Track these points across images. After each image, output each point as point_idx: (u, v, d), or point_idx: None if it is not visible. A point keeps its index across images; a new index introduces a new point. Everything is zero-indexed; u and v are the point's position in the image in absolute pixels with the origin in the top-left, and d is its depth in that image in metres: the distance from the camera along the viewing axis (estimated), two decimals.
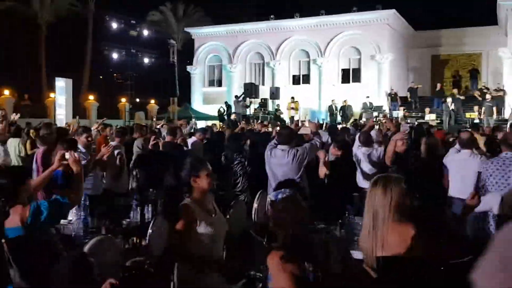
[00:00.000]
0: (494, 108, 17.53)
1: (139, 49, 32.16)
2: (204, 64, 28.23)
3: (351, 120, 18.94)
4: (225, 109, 21.41)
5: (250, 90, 20.47)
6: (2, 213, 2.79)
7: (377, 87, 23.25)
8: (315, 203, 5.60)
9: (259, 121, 14.81)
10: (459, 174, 5.19)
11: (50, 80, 24.46)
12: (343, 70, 24.79)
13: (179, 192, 3.03)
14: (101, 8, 31.08)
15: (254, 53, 26.79)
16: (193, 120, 16.59)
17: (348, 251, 2.59)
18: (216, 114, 22.31)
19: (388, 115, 17.46)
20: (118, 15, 29.97)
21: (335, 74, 24.67)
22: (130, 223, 5.31)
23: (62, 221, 4.10)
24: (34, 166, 7.19)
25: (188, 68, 28.57)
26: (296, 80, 25.95)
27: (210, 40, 27.77)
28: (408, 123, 14.86)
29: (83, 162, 5.80)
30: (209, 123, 18.96)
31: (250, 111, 20.67)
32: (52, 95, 23.47)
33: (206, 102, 27.35)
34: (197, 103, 27.73)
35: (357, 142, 6.36)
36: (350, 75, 24.68)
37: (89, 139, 6.01)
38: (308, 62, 25.45)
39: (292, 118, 19.51)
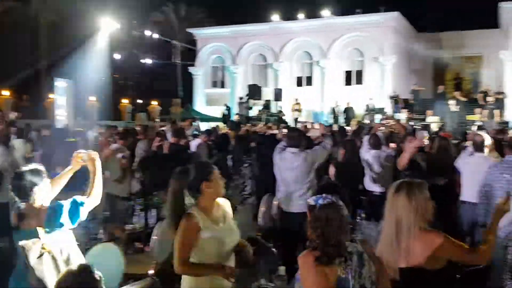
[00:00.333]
0: (496, 111, 17.40)
1: (141, 50, 32.05)
2: (207, 65, 28.11)
3: (354, 122, 18.81)
4: (227, 111, 21.31)
5: (254, 91, 20.36)
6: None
7: (380, 89, 23.12)
8: None
9: (264, 123, 14.67)
10: (472, 178, 5.05)
11: (51, 81, 24.28)
12: (346, 72, 24.68)
13: (182, 198, 2.85)
14: (102, 7, 30.90)
15: (257, 54, 26.69)
16: (197, 121, 16.43)
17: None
18: (219, 115, 22.19)
19: (394, 117, 17.32)
20: (120, 15, 29.80)
21: (338, 76, 24.56)
22: (133, 228, 5.20)
23: None
24: None
25: (191, 69, 28.44)
26: (299, 81, 25.84)
27: (213, 41, 27.65)
28: (412, 125, 14.78)
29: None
30: (212, 124, 18.81)
31: (253, 112, 20.55)
32: (52, 96, 23.30)
33: (209, 103, 27.23)
34: (200, 105, 27.61)
35: (365, 145, 6.23)
36: (353, 77, 24.55)
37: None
38: (311, 64, 25.36)
39: (295, 120, 19.39)
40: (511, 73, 20.87)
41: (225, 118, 20.64)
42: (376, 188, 5.96)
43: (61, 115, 22.18)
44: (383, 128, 7.12)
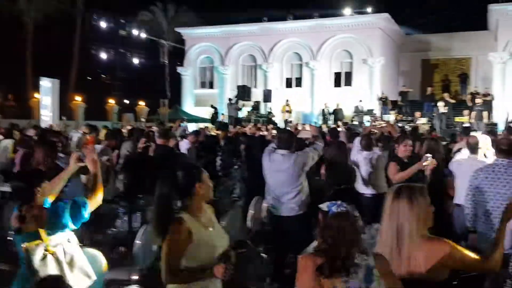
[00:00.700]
0: (484, 113, 17.48)
1: (129, 49, 31.67)
2: (195, 66, 27.90)
3: (341, 124, 18.77)
4: (214, 112, 21.11)
5: (243, 92, 20.21)
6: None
7: (369, 91, 23.16)
8: (314, 210, 5.35)
9: (253, 124, 14.51)
10: (466, 181, 4.93)
11: (35, 80, 23.87)
12: (335, 73, 24.68)
13: (171, 202, 2.65)
14: (90, 6, 30.55)
15: (246, 55, 26.55)
16: (185, 122, 16.18)
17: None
18: (207, 116, 21.98)
19: (383, 119, 17.31)
20: (107, 14, 29.46)
21: (327, 77, 24.53)
22: (117, 232, 4.99)
23: None
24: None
25: (179, 69, 28.18)
26: (288, 83, 25.77)
27: (201, 41, 27.45)
28: (400, 127, 14.75)
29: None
30: (201, 125, 18.62)
31: (242, 114, 20.38)
32: (37, 95, 22.90)
33: (198, 104, 27.01)
34: (188, 105, 27.36)
35: (357, 147, 6.11)
36: (342, 79, 24.55)
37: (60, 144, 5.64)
38: (301, 65, 25.30)
39: (286, 121, 19.27)
40: (500, 75, 20.99)
41: (214, 119, 20.46)
42: (367, 191, 5.83)
43: (46, 115, 21.81)
44: (375, 130, 6.97)
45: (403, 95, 21.42)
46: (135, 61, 32.25)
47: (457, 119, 18.26)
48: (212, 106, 21.80)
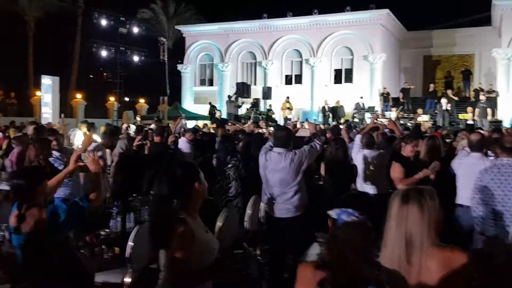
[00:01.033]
0: (488, 110, 17.28)
1: (129, 47, 31.45)
2: (195, 63, 27.78)
3: (342, 121, 18.63)
4: (212, 109, 20.96)
5: (242, 89, 20.07)
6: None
7: (370, 88, 22.99)
8: (313, 210, 5.22)
9: (252, 121, 14.36)
10: (467, 180, 4.78)
11: (37, 78, 23.79)
12: (335, 70, 24.49)
13: (170, 202, 2.50)
14: (90, 4, 30.38)
15: (246, 52, 26.38)
16: (183, 120, 15.94)
17: None
18: (206, 113, 21.84)
19: (385, 116, 17.15)
20: (107, 12, 29.27)
21: (328, 74, 24.34)
22: (109, 233, 4.85)
23: None
24: (8, 166, 6.74)
25: (179, 66, 28.07)
26: (288, 80, 25.60)
27: (201, 38, 27.32)
28: (401, 124, 14.59)
29: (60, 166, 5.35)
30: (200, 122, 18.48)
31: (241, 111, 20.24)
32: (38, 93, 22.80)
33: (197, 101, 26.89)
34: (187, 103, 27.25)
35: (358, 145, 5.96)
36: (342, 76, 24.38)
37: (54, 143, 5.52)
38: (301, 62, 25.11)
39: (286, 118, 19.12)
40: (504, 72, 20.74)
41: (212, 116, 20.29)
42: (369, 190, 5.70)
43: (47, 113, 21.73)
44: (376, 125, 6.81)
45: (405, 92, 21.24)
46: (136, 58, 32.07)
47: (460, 116, 18.07)
48: (210, 104, 21.66)
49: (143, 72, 32.99)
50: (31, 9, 28.57)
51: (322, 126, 14.13)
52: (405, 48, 26.51)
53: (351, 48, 23.96)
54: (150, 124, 12.74)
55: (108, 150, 7.07)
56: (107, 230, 4.82)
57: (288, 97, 21.40)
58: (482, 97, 17.56)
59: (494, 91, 18.96)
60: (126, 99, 31.91)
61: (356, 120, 18.84)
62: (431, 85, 20.73)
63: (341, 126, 9.83)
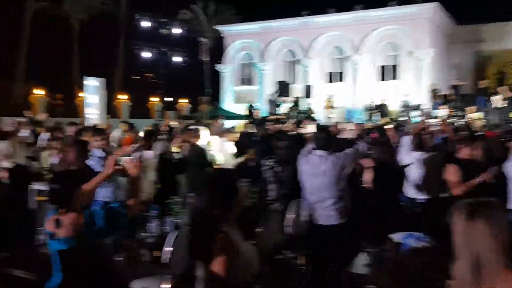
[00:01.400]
0: None
1: (170, 48, 31.94)
2: (234, 62, 27.73)
3: (388, 120, 17.96)
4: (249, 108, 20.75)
5: (282, 88, 19.77)
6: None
7: (416, 85, 22.10)
8: (357, 217, 4.91)
9: (293, 121, 14.04)
10: None
11: (82, 80, 24.50)
12: (380, 67, 23.71)
13: (211, 215, 2.32)
14: (132, 6, 31.07)
15: (286, 50, 26.06)
16: (222, 120, 15.79)
17: None
18: (247, 113, 21.60)
19: (432, 114, 16.39)
20: (149, 14, 29.82)
21: (372, 71, 23.61)
22: (148, 237, 4.75)
23: None
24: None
25: (218, 66, 28.13)
26: (329, 78, 25.03)
27: (241, 37, 27.23)
28: (450, 123, 13.83)
29: (99, 168, 5.30)
30: (240, 123, 18.34)
31: (282, 110, 19.94)
32: (82, 94, 23.46)
33: (237, 101, 26.83)
34: (227, 102, 27.26)
35: (407, 146, 5.58)
36: (387, 73, 23.56)
37: (102, 142, 5.48)
38: (343, 59, 24.51)
39: (329, 118, 18.67)
40: None
41: (250, 116, 20.06)
42: (419, 195, 5.31)
43: (92, 114, 22.32)
44: (425, 125, 6.37)
45: (455, 88, 20.22)
46: (176, 59, 32.54)
47: (511, 114, 16.97)
48: (249, 103, 21.46)
49: (184, 73, 33.41)
50: (75, 13, 29.46)
51: (367, 126, 13.66)
52: (454, 43, 25.32)
53: (396, 44, 23.14)
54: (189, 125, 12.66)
55: (147, 152, 7.01)
56: (145, 234, 4.73)
57: (330, 96, 20.90)
58: None
59: None
60: (168, 99, 32.42)
61: (402, 119, 18.12)
62: (482, 82, 19.64)
63: (387, 126, 9.36)
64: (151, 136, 7.34)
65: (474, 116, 16.59)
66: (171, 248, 4.23)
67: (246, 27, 27.23)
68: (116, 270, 2.94)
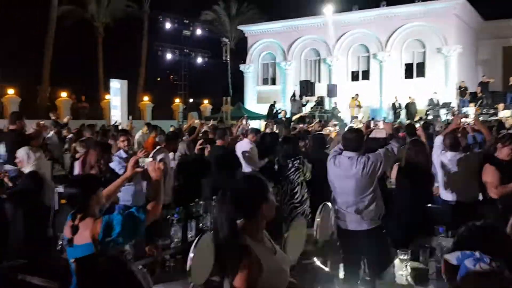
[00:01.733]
0: None
1: (193, 49, 32.10)
2: (257, 62, 27.59)
3: (417, 118, 17.51)
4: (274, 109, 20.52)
5: (306, 87, 19.49)
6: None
7: (444, 82, 21.51)
8: (389, 222, 4.65)
9: (318, 120, 13.78)
10: None
11: (106, 82, 24.81)
12: (406, 64, 23.18)
13: (232, 226, 2.13)
14: (155, 8, 31.29)
15: (309, 49, 25.75)
16: (246, 120, 15.64)
17: None
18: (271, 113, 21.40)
19: (461, 112, 15.86)
20: (171, 15, 29.99)
21: (398, 69, 23.10)
22: (170, 242, 4.60)
23: None
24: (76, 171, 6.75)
25: (241, 66, 28.04)
26: (354, 76, 24.60)
27: (263, 37, 27.07)
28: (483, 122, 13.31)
29: (121, 170, 5.19)
30: (263, 123, 18.16)
31: (305, 110, 19.66)
32: (108, 96, 23.73)
33: (260, 101, 26.67)
34: (250, 102, 27.14)
35: (439, 146, 5.27)
36: (414, 70, 23.02)
37: (126, 143, 5.38)
38: (368, 57, 24.03)
39: (354, 117, 18.29)
40: None
41: (272, 115, 19.82)
42: (452, 197, 5.01)
43: (116, 115, 22.55)
44: (461, 124, 6.03)
45: (483, 86, 19.58)
46: (199, 60, 32.65)
47: None
48: (273, 102, 21.23)
49: (207, 73, 33.49)
50: (100, 16, 29.85)
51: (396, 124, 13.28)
52: (482, 39, 24.60)
53: (423, 41, 22.54)
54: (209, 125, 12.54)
55: (169, 154, 6.90)
56: (167, 239, 4.57)
57: (357, 94, 20.51)
58: None
59: None
60: (191, 100, 32.55)
61: (430, 117, 17.63)
62: None
63: (417, 125, 9.04)
64: (174, 138, 7.23)
65: (506, 113, 16.00)
66: (195, 254, 4.07)
67: (269, 26, 27.05)
68: (136, 278, 2.77)
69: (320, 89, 21.85)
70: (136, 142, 9.02)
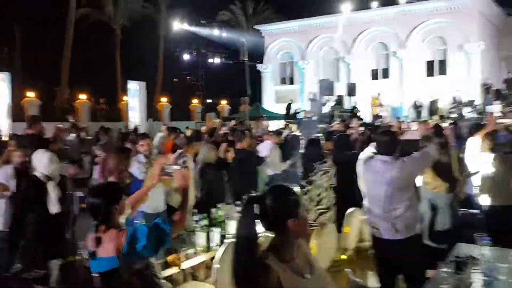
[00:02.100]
0: None
1: (209, 50, 32.06)
2: (275, 62, 27.40)
3: (439, 117, 17.04)
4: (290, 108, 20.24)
5: (325, 87, 19.16)
6: None
7: (467, 80, 20.97)
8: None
9: (339, 120, 13.45)
10: None
11: (124, 84, 24.90)
12: (427, 62, 22.67)
13: (255, 243, 1.94)
14: (172, 9, 31.33)
15: (327, 48, 25.41)
16: (266, 121, 15.40)
17: None
18: (289, 113, 21.13)
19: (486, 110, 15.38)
20: (188, 16, 29.99)
21: (418, 66, 22.61)
22: (194, 251, 4.42)
23: None
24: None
25: (259, 66, 27.87)
26: (374, 74, 24.18)
27: (281, 36, 26.85)
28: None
29: (141, 175, 5.03)
30: (281, 123, 17.92)
31: (324, 109, 19.32)
32: (126, 98, 23.78)
33: (278, 101, 26.45)
34: (268, 102, 26.94)
35: (473, 147, 5.01)
36: (435, 68, 22.50)
37: (146, 147, 5.22)
38: (388, 55, 23.62)
39: (377, 116, 17.91)
40: None
41: (293, 116, 19.51)
42: (489, 201, 4.73)
43: (134, 117, 22.61)
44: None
45: (508, 83, 18.98)
46: (216, 60, 32.59)
47: None
48: (290, 101, 20.91)
49: (224, 74, 33.43)
50: (117, 17, 30.01)
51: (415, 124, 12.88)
52: (505, 35, 23.93)
53: (444, 38, 22.02)
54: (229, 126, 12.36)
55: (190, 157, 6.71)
56: (192, 248, 4.39)
57: (379, 93, 20.10)
58: None
59: None
60: (209, 101, 32.54)
61: (453, 115, 17.16)
62: None
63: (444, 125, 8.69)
64: (196, 140, 7.05)
65: None
66: (219, 266, 3.88)
67: (286, 26, 26.81)
68: None
69: (339, 88, 21.52)
70: (154, 145, 8.87)
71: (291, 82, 27.02)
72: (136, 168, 5.12)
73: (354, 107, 19.62)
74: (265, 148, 7.27)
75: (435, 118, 15.68)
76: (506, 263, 3.18)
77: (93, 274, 2.54)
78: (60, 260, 4.03)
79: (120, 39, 30.46)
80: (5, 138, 12.37)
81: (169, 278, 3.71)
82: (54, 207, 4.33)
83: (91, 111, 22.97)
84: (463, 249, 3.67)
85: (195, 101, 29.28)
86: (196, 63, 32.67)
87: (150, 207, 4.81)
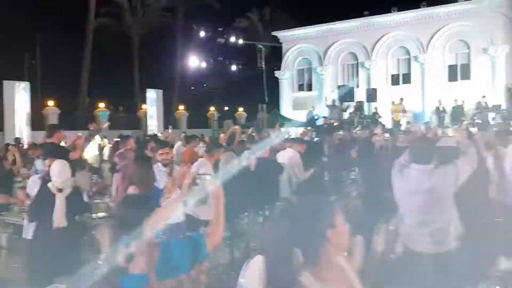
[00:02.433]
0: None
1: (227, 57, 32.12)
2: (293, 68, 27.18)
3: (465, 123, 16.57)
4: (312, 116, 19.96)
5: (344, 93, 18.89)
6: None
7: (491, 84, 20.41)
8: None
9: (361, 126, 13.15)
10: None
11: (143, 92, 25.05)
12: (449, 66, 22.18)
13: (287, 259, 1.74)
14: (189, 17, 31.52)
15: (346, 53, 25.11)
16: (282, 127, 15.07)
17: None
18: (307, 119, 20.88)
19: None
20: (205, 23, 30.10)
21: (440, 71, 22.14)
22: (217, 265, 4.22)
23: None
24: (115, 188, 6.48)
25: (277, 73, 27.69)
26: (395, 80, 23.77)
27: (298, 42, 26.64)
28: None
29: (160, 185, 4.84)
30: (300, 130, 17.65)
31: (344, 115, 19.04)
32: (144, 106, 23.89)
33: (296, 107, 26.20)
34: (286, 109, 26.71)
35: None
36: (458, 72, 22.00)
37: (166, 156, 5.05)
38: (409, 60, 23.18)
39: (398, 122, 17.52)
40: None
41: (314, 123, 19.27)
42: None
43: (152, 125, 22.71)
44: None
45: None
46: (233, 67, 32.60)
47: None
48: (310, 109, 20.64)
49: (241, 81, 33.39)
50: (135, 26, 30.28)
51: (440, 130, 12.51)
52: None
53: (467, 41, 21.52)
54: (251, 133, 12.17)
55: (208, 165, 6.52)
56: (215, 260, 4.19)
57: (401, 99, 19.70)
58: None
59: None
60: (226, 108, 32.48)
61: (477, 121, 16.67)
62: None
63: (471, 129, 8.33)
64: (216, 148, 6.85)
65: None
66: (245, 280, 3.65)
67: (304, 32, 26.60)
68: None
69: (359, 94, 21.18)
70: (174, 153, 8.73)
71: (309, 89, 26.75)
72: (158, 177, 4.95)
73: (375, 113, 19.27)
74: (286, 156, 7.03)
75: (465, 123, 15.15)
76: None
77: None
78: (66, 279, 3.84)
79: (138, 47, 30.71)
80: (26, 146, 12.45)
81: None
82: (58, 221, 4.16)
83: (110, 119, 23.11)
84: (505, 263, 3.38)
85: (212, 108, 29.27)
86: (213, 70, 32.71)
87: (171, 218, 4.62)
